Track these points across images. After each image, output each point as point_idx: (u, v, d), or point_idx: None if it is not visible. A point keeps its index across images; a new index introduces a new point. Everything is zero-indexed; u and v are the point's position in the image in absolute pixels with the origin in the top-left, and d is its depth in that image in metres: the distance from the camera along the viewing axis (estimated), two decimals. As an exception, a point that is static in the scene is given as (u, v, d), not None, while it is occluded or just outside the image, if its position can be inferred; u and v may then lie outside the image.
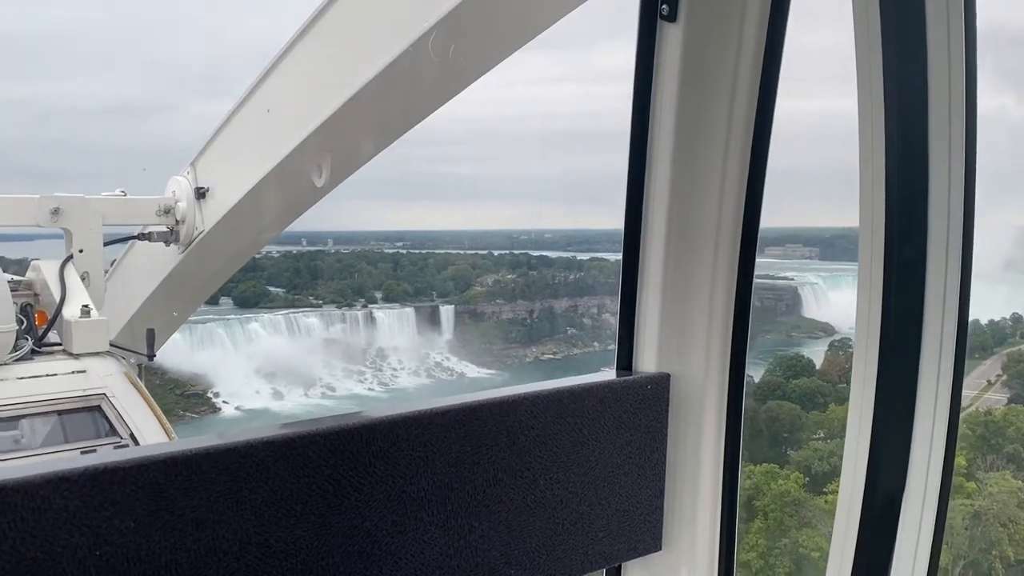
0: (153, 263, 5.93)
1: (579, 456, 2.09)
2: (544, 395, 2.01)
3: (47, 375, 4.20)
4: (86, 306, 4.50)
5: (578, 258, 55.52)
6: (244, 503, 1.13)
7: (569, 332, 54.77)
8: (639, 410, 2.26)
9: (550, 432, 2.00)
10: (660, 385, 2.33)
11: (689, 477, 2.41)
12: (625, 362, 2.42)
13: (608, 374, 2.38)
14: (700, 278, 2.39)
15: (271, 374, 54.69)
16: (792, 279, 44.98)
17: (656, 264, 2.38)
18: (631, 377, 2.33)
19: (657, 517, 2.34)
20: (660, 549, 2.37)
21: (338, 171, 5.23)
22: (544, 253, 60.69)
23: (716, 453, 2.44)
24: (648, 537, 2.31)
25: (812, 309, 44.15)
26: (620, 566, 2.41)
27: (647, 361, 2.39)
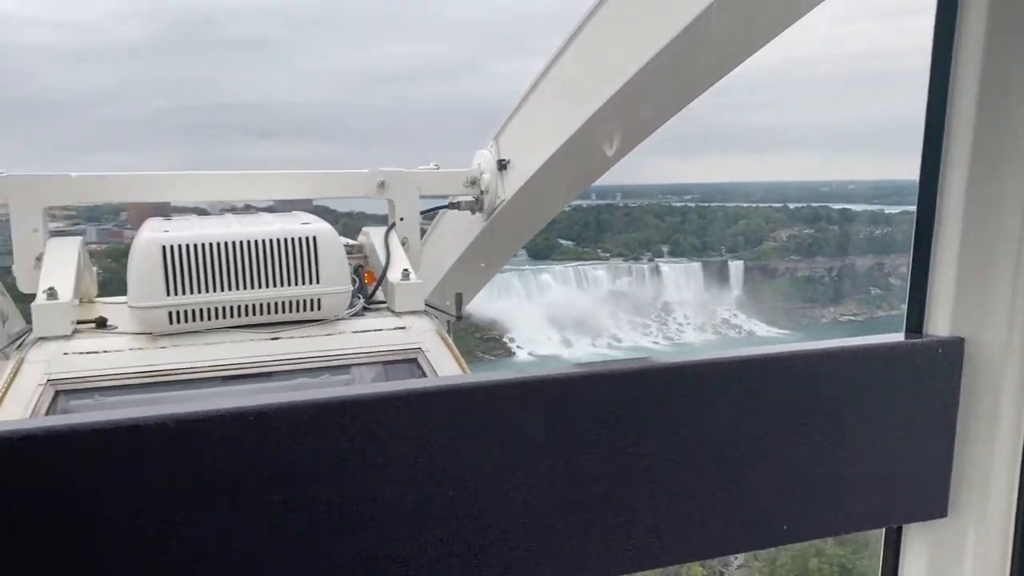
0: (460, 230, 6.49)
1: (858, 416, 2.03)
2: (821, 353, 1.96)
3: (375, 330, 4.78)
4: (406, 270, 5.04)
5: (885, 211, 50.83)
6: (537, 430, 1.29)
7: (873, 292, 50.70)
8: (927, 375, 2.13)
9: (826, 390, 1.96)
10: (953, 350, 2.16)
11: (982, 446, 2.23)
12: (915, 324, 2.27)
13: (895, 336, 2.26)
14: (1007, 233, 2.14)
15: (561, 323, 57.12)
16: None
17: (955, 215, 2.17)
18: (920, 340, 2.18)
19: (943, 483, 2.21)
20: (945, 515, 2.25)
21: (628, 139, 5.32)
22: (846, 206, 56.44)
23: (1016, 424, 2.22)
24: (931, 503, 2.21)
25: None
26: (900, 528, 2.33)
27: (939, 324, 2.22)
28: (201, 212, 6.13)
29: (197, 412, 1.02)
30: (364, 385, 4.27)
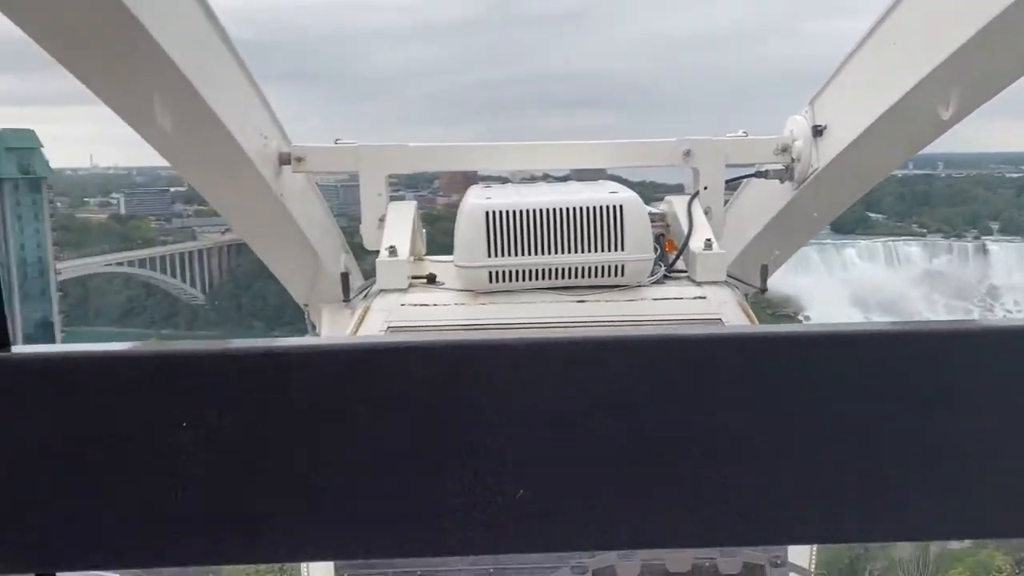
0: (765, 200, 6.25)
1: None
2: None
3: (675, 298, 4.81)
4: (708, 239, 4.98)
5: None
6: (789, 385, 1.27)
7: None
8: None
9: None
10: None
11: None
12: None
13: None
14: None
15: (864, 303, 53.06)
16: None
17: None
18: None
19: None
20: None
21: (968, 101, 4.79)
22: None
23: None
24: None
25: None
26: None
27: None
28: (504, 180, 6.54)
29: (541, 339, 1.14)
30: (690, 326, 4.33)
